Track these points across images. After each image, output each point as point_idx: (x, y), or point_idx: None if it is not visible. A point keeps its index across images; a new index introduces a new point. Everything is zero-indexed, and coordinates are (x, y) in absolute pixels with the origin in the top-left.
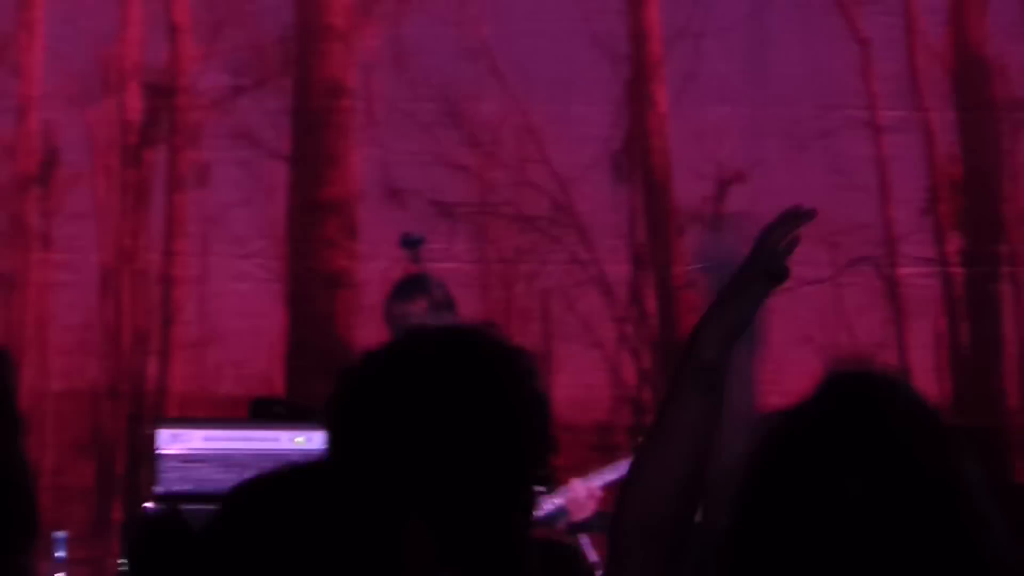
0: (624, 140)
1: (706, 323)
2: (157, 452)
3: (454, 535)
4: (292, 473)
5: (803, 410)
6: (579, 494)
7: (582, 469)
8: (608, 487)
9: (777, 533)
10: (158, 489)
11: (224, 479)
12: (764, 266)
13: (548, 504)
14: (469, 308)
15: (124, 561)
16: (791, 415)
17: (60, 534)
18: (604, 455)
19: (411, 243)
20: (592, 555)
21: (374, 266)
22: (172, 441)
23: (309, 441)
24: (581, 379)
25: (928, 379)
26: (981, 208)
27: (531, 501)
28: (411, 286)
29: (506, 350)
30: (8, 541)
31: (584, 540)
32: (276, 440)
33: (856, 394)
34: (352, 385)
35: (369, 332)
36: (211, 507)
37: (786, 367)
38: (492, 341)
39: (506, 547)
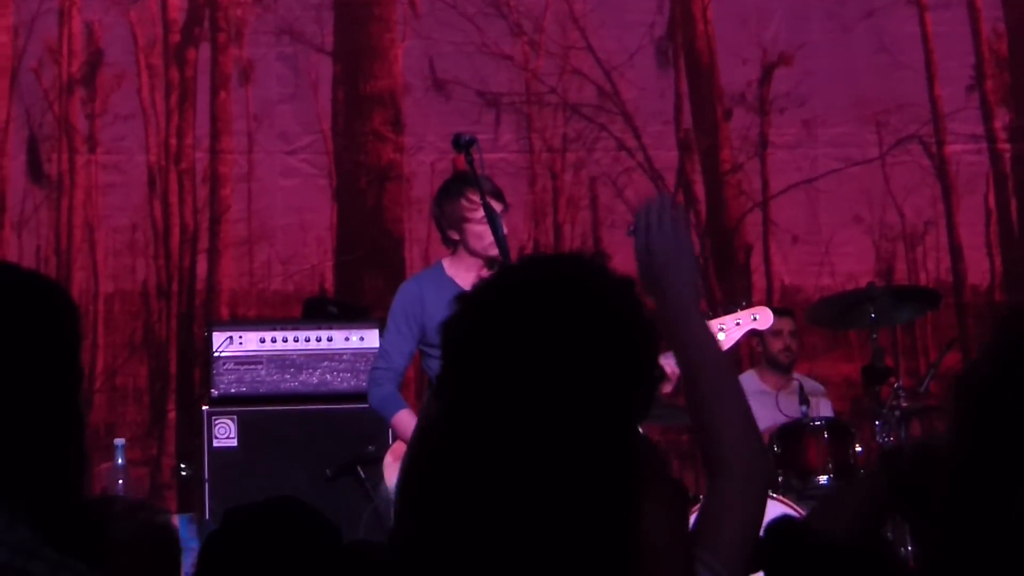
0: (668, 25)
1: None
2: (212, 354)
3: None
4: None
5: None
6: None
7: None
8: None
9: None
10: (213, 391)
11: (278, 380)
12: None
13: None
14: (518, 198)
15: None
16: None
17: (119, 441)
18: None
19: (463, 144)
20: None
21: (421, 158)
22: (227, 343)
23: (363, 340)
24: (630, 266)
25: (978, 256)
26: None
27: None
28: (458, 184)
29: (616, 278)
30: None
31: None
32: (330, 339)
33: None
34: (470, 313)
35: (417, 225)
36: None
37: (835, 247)
38: (602, 270)
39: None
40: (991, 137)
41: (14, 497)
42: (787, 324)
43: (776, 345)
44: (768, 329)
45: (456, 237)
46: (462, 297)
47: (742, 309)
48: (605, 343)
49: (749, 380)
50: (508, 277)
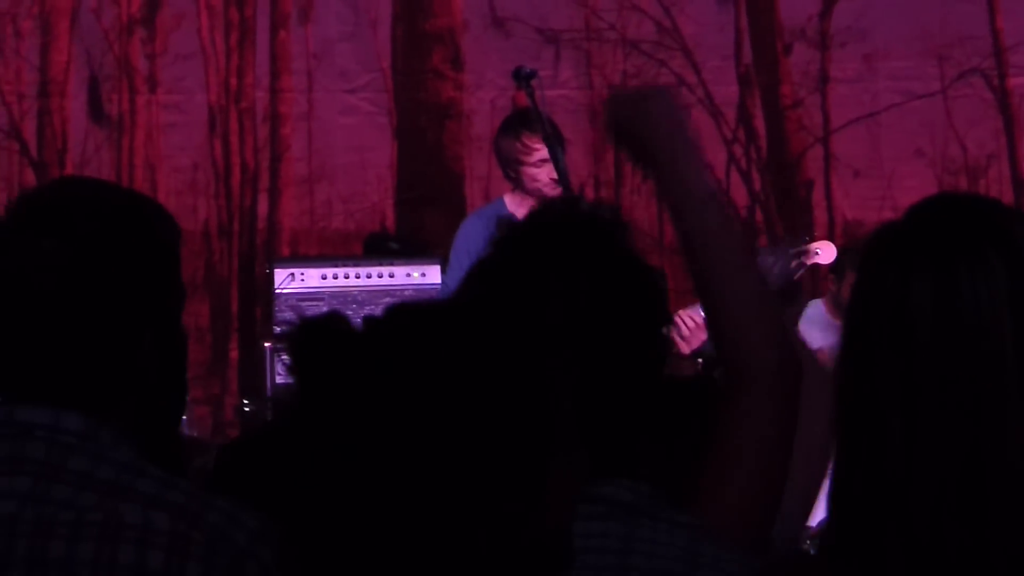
0: None
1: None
2: (274, 291)
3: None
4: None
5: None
6: (688, 325)
7: (689, 296)
8: None
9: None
10: (276, 328)
11: None
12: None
13: None
14: (578, 135)
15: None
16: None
17: None
18: None
19: (523, 77)
20: None
21: (481, 96)
22: (289, 280)
23: (424, 276)
24: None
25: None
26: None
27: (662, 356)
28: (519, 121)
29: (631, 252)
30: (169, 416)
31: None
32: (391, 276)
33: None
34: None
35: (478, 163)
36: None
37: (897, 181)
38: (614, 220)
39: (641, 402)
40: None
41: (118, 416)
42: None
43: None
44: (847, 282)
45: (513, 175)
46: (501, 228)
47: (805, 244)
48: (622, 282)
49: (815, 310)
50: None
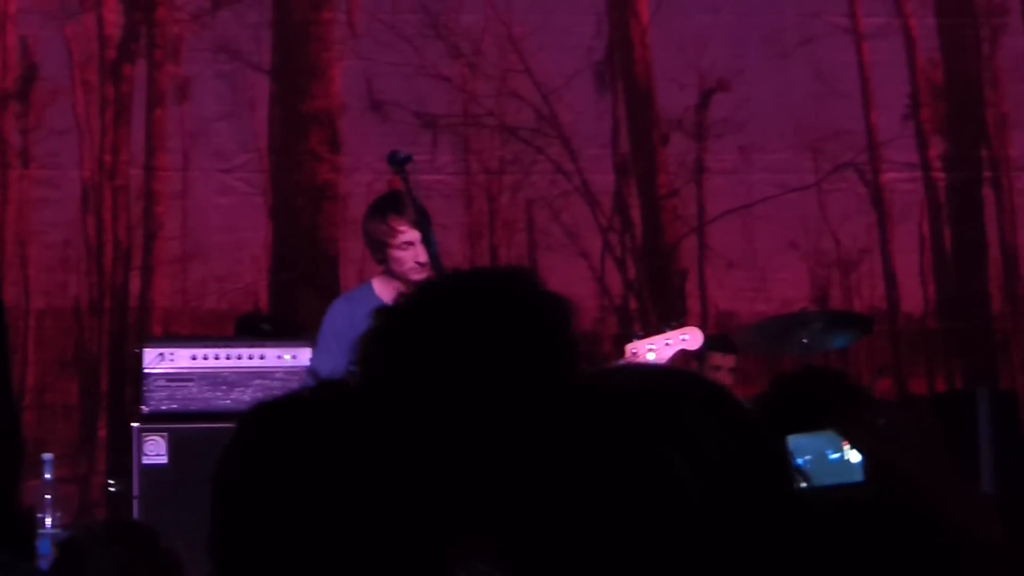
0: (607, 50)
1: None
2: (144, 371)
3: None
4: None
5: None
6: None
7: None
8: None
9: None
10: (144, 408)
11: (210, 397)
12: None
13: None
14: (454, 220)
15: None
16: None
17: (47, 456)
18: (590, 367)
19: (398, 161)
20: None
21: (358, 178)
22: (159, 360)
23: (295, 358)
24: (567, 289)
25: (912, 284)
26: (962, 113)
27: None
28: (386, 204)
29: (543, 295)
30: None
31: None
32: (262, 357)
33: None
34: (389, 323)
35: (353, 245)
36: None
37: (771, 273)
38: (530, 285)
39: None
40: (926, 166)
41: None
42: (729, 361)
43: (714, 379)
44: (708, 363)
45: (380, 258)
46: (379, 311)
47: (672, 329)
48: (521, 357)
49: None
50: (425, 292)
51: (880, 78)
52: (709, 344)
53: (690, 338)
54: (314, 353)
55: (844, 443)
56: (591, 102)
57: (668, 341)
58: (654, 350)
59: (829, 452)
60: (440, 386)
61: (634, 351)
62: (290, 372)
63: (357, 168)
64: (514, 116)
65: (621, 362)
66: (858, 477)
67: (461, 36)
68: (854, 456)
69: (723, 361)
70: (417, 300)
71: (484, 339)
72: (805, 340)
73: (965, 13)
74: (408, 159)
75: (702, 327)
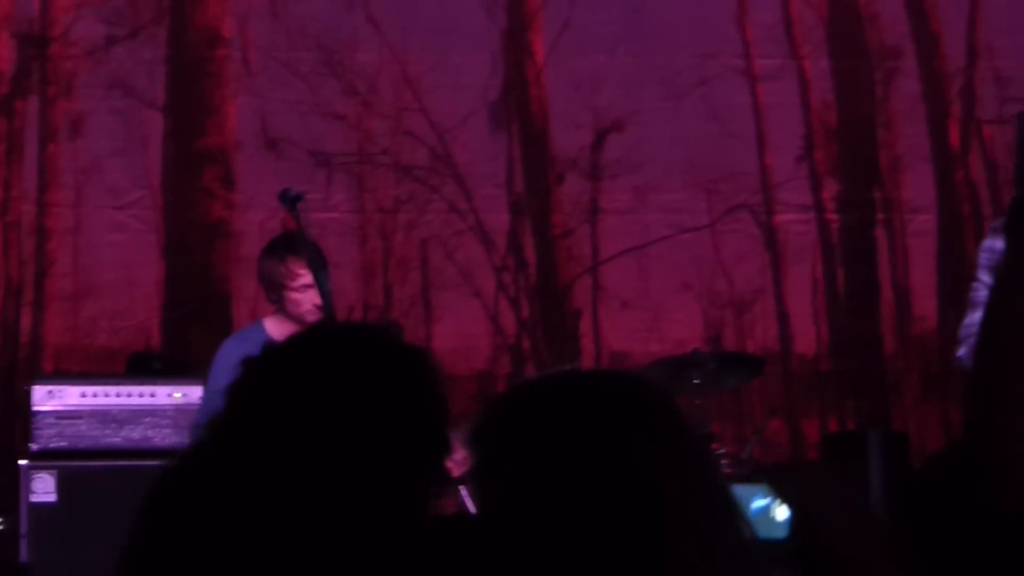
0: (502, 89)
1: None
2: (32, 408)
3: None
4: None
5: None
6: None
7: (463, 419)
8: None
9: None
10: (32, 446)
11: (100, 435)
12: None
13: None
14: (348, 258)
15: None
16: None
17: None
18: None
19: (289, 199)
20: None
21: (251, 216)
22: (48, 397)
23: (185, 396)
24: (461, 328)
25: (805, 324)
26: (856, 155)
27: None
28: (284, 246)
29: (408, 350)
30: None
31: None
32: (152, 395)
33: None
34: (255, 374)
35: (246, 283)
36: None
37: (665, 313)
38: (394, 341)
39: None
40: (819, 207)
41: None
42: None
43: None
44: None
45: (276, 298)
46: (248, 361)
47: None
48: (383, 412)
49: None
50: (294, 346)
51: (774, 120)
52: None
53: None
54: (204, 392)
55: (774, 498)
56: (486, 141)
57: None
58: None
59: (753, 503)
60: (306, 439)
61: None
62: (181, 410)
63: (251, 206)
64: (409, 155)
65: None
66: (781, 534)
67: (356, 74)
68: (781, 512)
69: None
70: (285, 353)
71: (350, 393)
72: (697, 380)
73: (859, 56)
74: (300, 197)
75: (596, 367)
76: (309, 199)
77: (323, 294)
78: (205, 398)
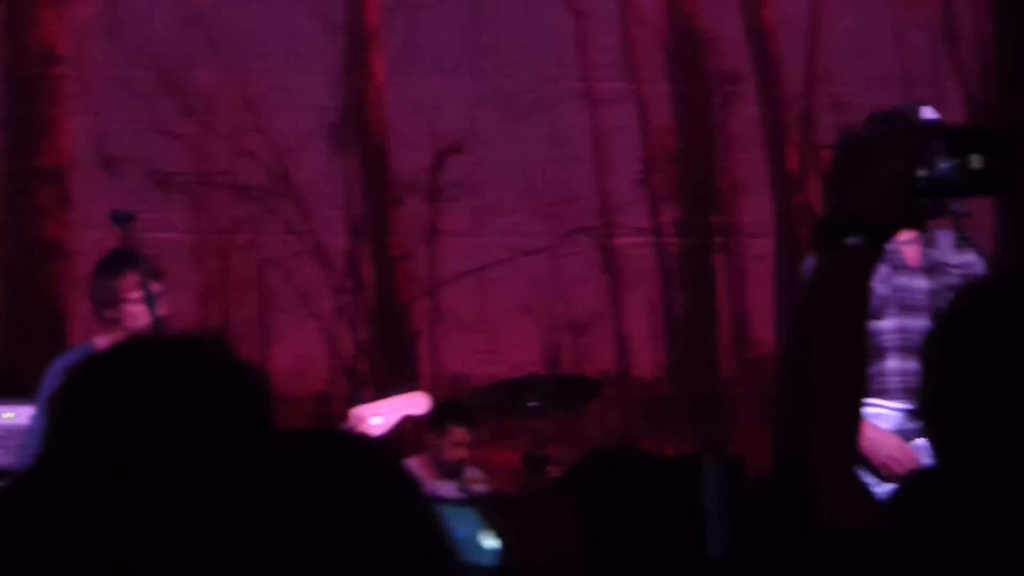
0: (342, 110)
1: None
2: None
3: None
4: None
5: None
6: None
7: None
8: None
9: None
10: None
11: None
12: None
13: None
14: (185, 279)
15: None
16: None
17: None
18: (321, 426)
19: (121, 219)
20: None
21: (88, 236)
22: None
23: (17, 417)
24: (298, 349)
25: (643, 348)
26: (695, 179)
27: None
28: (116, 262)
29: (233, 365)
30: None
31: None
32: None
33: None
34: (76, 386)
35: (81, 303)
36: None
37: (503, 336)
38: (220, 353)
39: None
40: (658, 231)
41: None
42: (468, 436)
43: (454, 454)
44: (449, 438)
45: (112, 316)
46: (69, 372)
47: (400, 394)
48: (212, 425)
49: (414, 467)
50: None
51: (614, 143)
52: (452, 416)
53: (416, 403)
54: (36, 412)
55: (486, 526)
56: (325, 163)
57: (396, 405)
58: (380, 415)
59: (460, 529)
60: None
61: (359, 416)
62: (12, 430)
63: (87, 225)
64: (247, 175)
65: (346, 427)
66: (490, 561)
67: (195, 94)
68: (489, 540)
69: (464, 437)
70: (108, 364)
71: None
72: (534, 403)
73: (698, 80)
74: (131, 217)
75: (433, 390)
76: (146, 219)
77: (152, 312)
78: (35, 418)
